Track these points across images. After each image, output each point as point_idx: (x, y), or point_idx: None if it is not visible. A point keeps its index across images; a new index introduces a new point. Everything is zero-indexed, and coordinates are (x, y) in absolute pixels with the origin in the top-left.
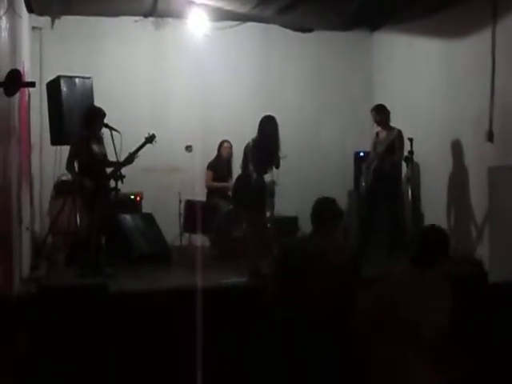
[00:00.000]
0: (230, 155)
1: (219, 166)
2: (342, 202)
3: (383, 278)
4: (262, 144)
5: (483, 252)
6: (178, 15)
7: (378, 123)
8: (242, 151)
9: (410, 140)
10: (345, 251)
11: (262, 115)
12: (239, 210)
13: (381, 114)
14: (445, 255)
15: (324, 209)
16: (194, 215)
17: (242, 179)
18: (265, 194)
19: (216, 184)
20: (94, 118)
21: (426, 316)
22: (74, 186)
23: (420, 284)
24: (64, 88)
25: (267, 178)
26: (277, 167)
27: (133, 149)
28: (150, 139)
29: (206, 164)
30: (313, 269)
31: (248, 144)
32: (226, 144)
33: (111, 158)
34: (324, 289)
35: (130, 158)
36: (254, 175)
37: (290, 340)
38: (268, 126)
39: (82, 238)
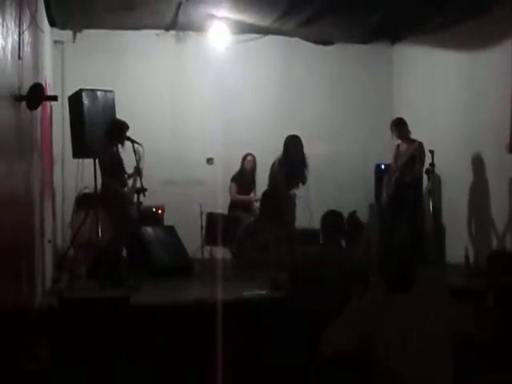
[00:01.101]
0: (254, 168)
1: (243, 178)
2: (364, 214)
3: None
4: (289, 163)
5: None
6: (199, 28)
7: (398, 137)
8: (265, 163)
9: (431, 152)
10: (352, 259)
11: (287, 134)
12: (263, 223)
13: (400, 127)
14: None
15: (329, 222)
16: (215, 228)
17: (269, 194)
18: (293, 209)
19: (241, 197)
20: (118, 130)
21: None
22: (110, 199)
23: (395, 309)
24: (86, 101)
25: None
26: (303, 184)
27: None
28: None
29: (227, 176)
30: (322, 273)
31: (274, 162)
32: (249, 157)
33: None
34: (333, 290)
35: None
36: (280, 190)
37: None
38: (293, 145)
39: (106, 249)
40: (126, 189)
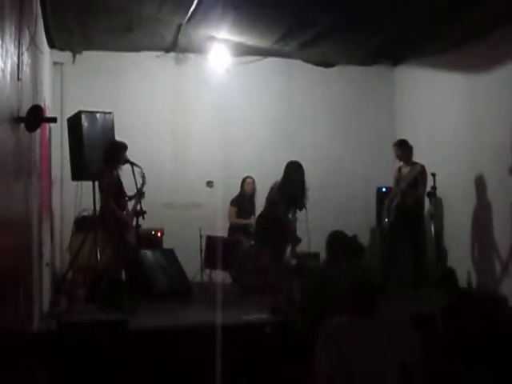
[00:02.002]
0: (253, 191)
1: (242, 201)
2: (365, 237)
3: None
4: (288, 189)
5: (508, 288)
6: (199, 50)
7: (400, 158)
8: (264, 186)
9: (433, 175)
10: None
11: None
12: (261, 246)
13: (402, 149)
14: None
15: (337, 241)
16: (214, 251)
17: (265, 216)
18: (290, 230)
19: (240, 221)
20: (116, 152)
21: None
22: (109, 222)
23: (363, 334)
24: (85, 123)
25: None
26: (300, 210)
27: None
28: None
29: (227, 199)
30: (337, 289)
31: (273, 186)
32: (248, 180)
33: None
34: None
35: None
36: (279, 213)
37: None
38: (294, 172)
39: (105, 272)
40: (124, 212)
